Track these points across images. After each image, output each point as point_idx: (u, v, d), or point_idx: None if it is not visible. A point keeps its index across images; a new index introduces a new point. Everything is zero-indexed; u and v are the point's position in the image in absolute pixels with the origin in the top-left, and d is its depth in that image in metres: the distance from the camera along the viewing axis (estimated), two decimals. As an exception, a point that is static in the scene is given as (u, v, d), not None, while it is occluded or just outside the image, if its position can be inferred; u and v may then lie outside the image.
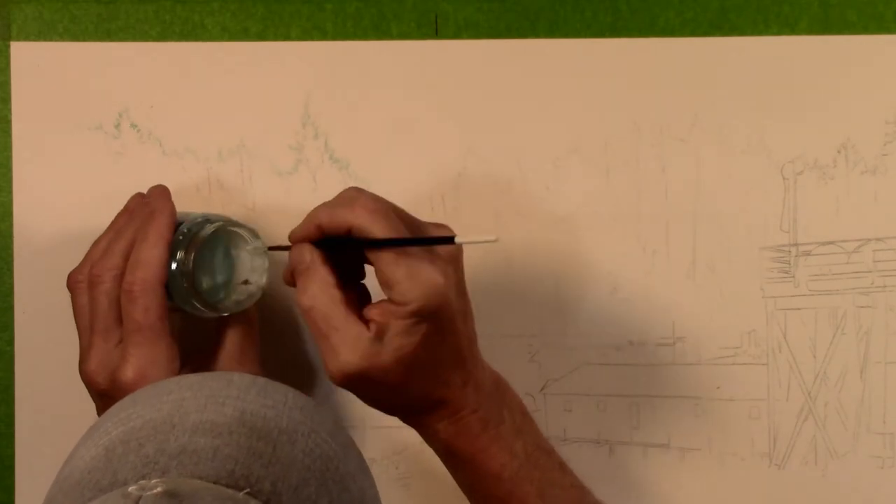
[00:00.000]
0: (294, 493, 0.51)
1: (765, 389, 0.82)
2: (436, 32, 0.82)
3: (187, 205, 0.80)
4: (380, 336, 0.67)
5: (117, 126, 0.81)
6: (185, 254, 0.72)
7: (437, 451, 0.73)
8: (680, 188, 0.82)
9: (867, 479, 0.82)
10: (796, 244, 0.82)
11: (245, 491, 0.49)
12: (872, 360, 0.82)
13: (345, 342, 0.67)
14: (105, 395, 0.72)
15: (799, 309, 0.82)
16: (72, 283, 0.74)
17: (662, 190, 0.82)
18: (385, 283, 0.67)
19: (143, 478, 0.49)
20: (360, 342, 0.67)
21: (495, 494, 0.71)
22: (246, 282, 0.74)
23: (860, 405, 0.82)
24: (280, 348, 0.82)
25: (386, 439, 0.82)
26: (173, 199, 0.75)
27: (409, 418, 0.72)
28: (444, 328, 0.68)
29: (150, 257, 0.71)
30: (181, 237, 0.73)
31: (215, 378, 0.56)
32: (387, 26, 0.82)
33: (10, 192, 0.81)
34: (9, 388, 0.81)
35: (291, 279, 0.71)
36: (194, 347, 0.75)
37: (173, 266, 0.72)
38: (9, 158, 0.81)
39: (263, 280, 0.74)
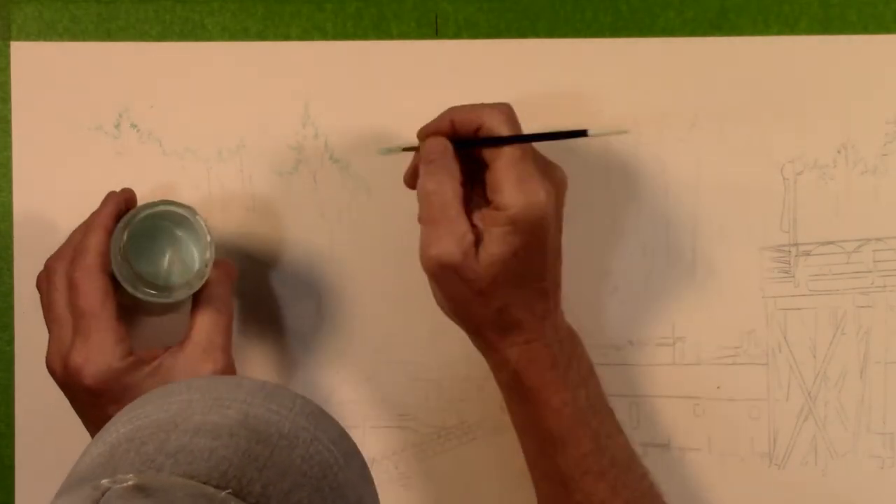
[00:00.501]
0: (284, 498, 0.51)
1: (765, 389, 0.82)
2: (436, 32, 0.82)
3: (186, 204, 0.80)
4: (478, 240, 0.70)
5: (117, 126, 0.81)
6: (121, 238, 0.73)
7: (501, 381, 0.75)
8: (680, 188, 0.82)
9: (867, 479, 0.82)
10: (796, 244, 0.82)
11: (228, 491, 0.50)
12: (872, 360, 0.82)
13: (452, 234, 0.70)
14: (64, 385, 0.74)
15: (799, 309, 0.82)
16: (38, 282, 0.76)
17: (662, 190, 0.82)
18: (494, 186, 0.71)
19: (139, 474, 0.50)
20: (464, 239, 0.70)
21: (552, 432, 0.73)
22: (205, 265, 0.74)
23: (860, 405, 0.82)
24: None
25: (386, 439, 0.82)
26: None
27: (481, 335, 0.74)
28: (535, 247, 0.71)
29: (89, 245, 0.73)
30: (123, 225, 0.74)
31: (225, 381, 0.57)
32: (387, 26, 0.82)
33: (10, 192, 0.81)
34: (9, 388, 0.81)
35: (412, 180, 0.74)
36: (171, 337, 0.76)
37: (116, 252, 0.73)
38: (9, 158, 0.81)
39: (207, 255, 0.74)
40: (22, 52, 0.81)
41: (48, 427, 0.80)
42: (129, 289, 0.73)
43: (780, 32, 0.82)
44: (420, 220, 0.71)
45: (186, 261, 0.75)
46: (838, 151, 0.82)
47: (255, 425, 0.53)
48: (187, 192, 0.81)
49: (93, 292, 0.73)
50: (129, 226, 0.73)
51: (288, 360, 0.82)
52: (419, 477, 0.82)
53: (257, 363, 0.82)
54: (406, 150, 0.76)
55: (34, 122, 0.81)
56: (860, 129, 0.82)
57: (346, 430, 0.57)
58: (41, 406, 0.80)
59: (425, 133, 0.74)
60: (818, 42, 0.82)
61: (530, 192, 0.70)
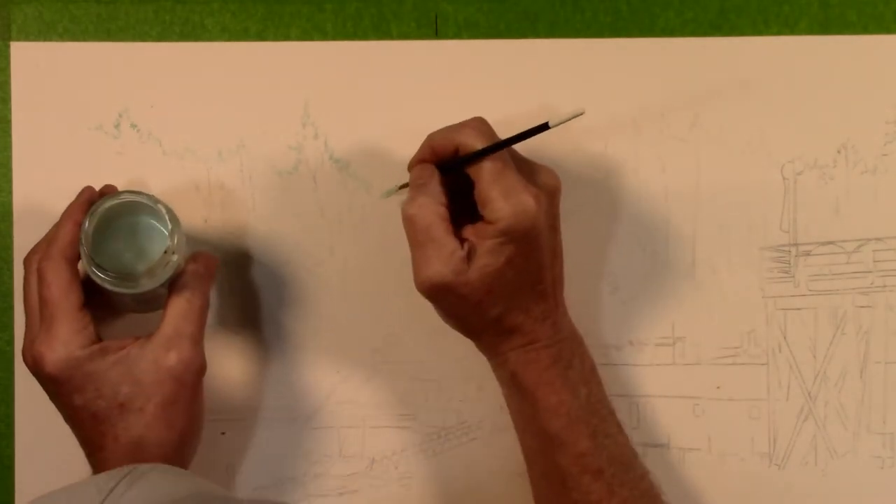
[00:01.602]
0: None
1: (765, 389, 0.82)
2: (436, 32, 0.82)
3: (187, 204, 0.80)
4: (471, 254, 0.71)
5: (117, 126, 0.81)
6: (86, 228, 0.73)
7: (502, 380, 0.76)
8: (680, 188, 0.82)
9: (867, 479, 0.82)
10: (796, 244, 0.82)
11: None
12: (872, 360, 0.82)
13: (439, 254, 0.71)
14: (33, 374, 0.74)
15: (799, 309, 0.82)
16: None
17: (662, 190, 0.82)
18: (481, 201, 0.72)
19: None
20: (453, 257, 0.71)
21: (549, 429, 0.73)
22: (166, 252, 0.74)
23: (860, 405, 0.82)
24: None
25: (386, 439, 0.82)
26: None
27: (481, 341, 0.75)
28: (529, 254, 0.72)
29: (56, 235, 0.74)
30: (88, 215, 0.74)
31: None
32: (387, 26, 0.82)
33: (10, 192, 0.81)
34: (9, 388, 0.81)
35: None
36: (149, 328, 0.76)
37: (82, 243, 0.73)
38: (9, 158, 0.81)
39: (169, 244, 0.74)
40: (22, 52, 0.81)
41: (48, 427, 0.80)
42: (96, 279, 0.73)
43: (780, 32, 0.82)
44: (410, 246, 0.72)
45: (154, 251, 0.75)
46: (838, 151, 0.82)
47: None
48: (187, 192, 0.81)
49: (56, 281, 0.73)
50: (93, 215, 0.73)
51: (288, 360, 0.82)
52: (419, 477, 0.82)
53: (257, 363, 0.82)
54: (402, 187, 0.78)
55: (34, 122, 0.81)
56: (860, 129, 0.82)
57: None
58: (41, 406, 0.80)
59: (411, 164, 0.75)
60: (818, 42, 0.82)
61: (517, 202, 0.71)
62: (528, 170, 0.75)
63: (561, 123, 0.71)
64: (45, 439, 0.81)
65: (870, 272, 0.82)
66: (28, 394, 0.81)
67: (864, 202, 0.82)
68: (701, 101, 0.82)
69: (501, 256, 0.71)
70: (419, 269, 0.72)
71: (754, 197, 0.82)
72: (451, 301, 0.72)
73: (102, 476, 0.50)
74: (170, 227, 0.74)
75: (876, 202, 0.82)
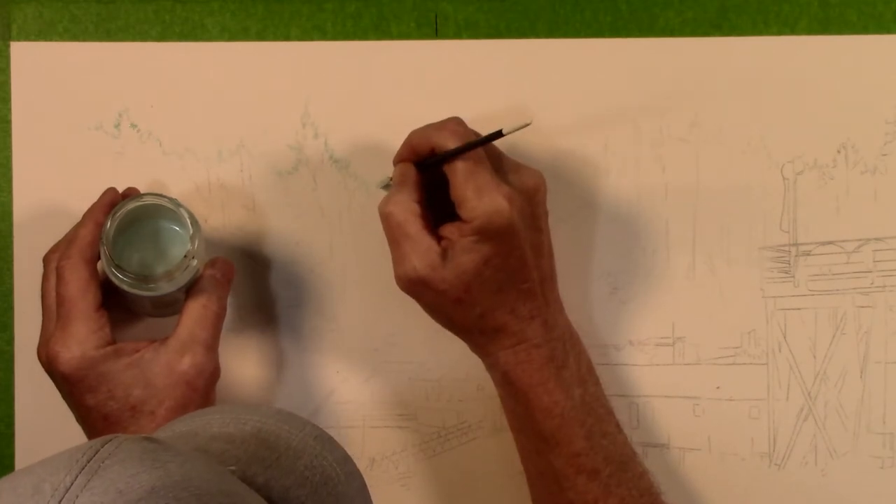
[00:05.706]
0: (285, 492, 0.53)
1: (765, 389, 0.82)
2: (436, 32, 0.82)
3: (187, 204, 0.80)
4: (448, 251, 0.72)
5: (117, 126, 0.81)
6: (108, 230, 0.73)
7: (495, 380, 0.76)
8: (680, 188, 0.82)
9: (867, 479, 0.82)
10: (796, 244, 0.82)
11: (231, 468, 0.52)
12: (872, 360, 0.82)
13: (414, 250, 0.72)
14: (48, 373, 0.74)
15: (799, 309, 0.82)
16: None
17: (662, 190, 0.82)
18: (457, 200, 0.72)
19: None
20: (428, 253, 0.72)
21: (544, 431, 0.73)
22: (186, 255, 0.74)
23: (860, 405, 0.82)
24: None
25: (386, 439, 0.82)
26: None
27: (471, 340, 0.75)
28: (507, 252, 0.72)
29: (77, 235, 0.75)
30: (109, 216, 0.74)
31: (246, 407, 0.61)
32: (387, 26, 0.82)
33: (10, 192, 0.81)
34: (9, 388, 0.81)
35: None
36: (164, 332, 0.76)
37: (103, 244, 0.73)
38: (9, 158, 0.81)
39: (189, 247, 0.74)
40: (22, 52, 0.81)
41: (48, 427, 0.80)
42: (115, 281, 0.74)
43: (780, 32, 0.82)
44: (388, 243, 0.73)
45: (174, 254, 0.75)
46: (838, 151, 0.82)
47: (266, 437, 0.56)
48: (187, 193, 0.81)
49: (74, 281, 0.73)
50: (115, 217, 0.74)
51: (288, 360, 0.82)
52: (419, 477, 0.82)
53: (257, 363, 0.82)
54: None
55: (34, 122, 0.81)
56: (860, 129, 0.82)
57: (351, 457, 0.59)
58: (41, 406, 0.80)
59: (395, 161, 0.76)
60: (818, 42, 0.82)
61: (490, 201, 0.71)
62: (508, 169, 0.75)
63: (512, 132, 0.72)
64: (45, 439, 0.81)
65: (870, 272, 0.82)
66: (28, 394, 0.81)
67: (864, 202, 0.82)
68: (701, 101, 0.82)
69: (477, 254, 0.71)
70: (396, 265, 0.73)
71: (754, 197, 0.82)
72: (429, 297, 0.73)
73: (62, 459, 0.48)
74: (191, 231, 0.74)
75: (876, 202, 0.82)
